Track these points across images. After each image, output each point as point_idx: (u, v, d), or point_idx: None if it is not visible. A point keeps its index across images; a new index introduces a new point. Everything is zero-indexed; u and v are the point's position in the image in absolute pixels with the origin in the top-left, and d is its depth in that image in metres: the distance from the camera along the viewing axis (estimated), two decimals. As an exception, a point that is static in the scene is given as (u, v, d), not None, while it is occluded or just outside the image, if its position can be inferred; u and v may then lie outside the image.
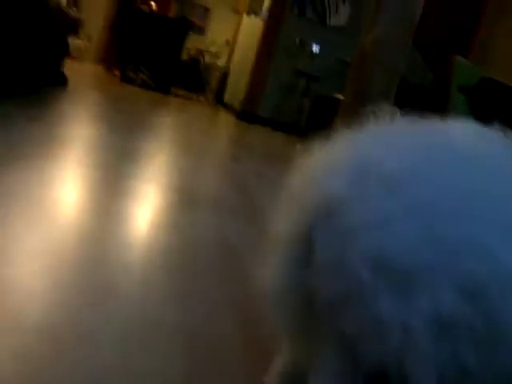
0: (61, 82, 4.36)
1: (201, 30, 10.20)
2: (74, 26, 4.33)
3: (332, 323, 0.46)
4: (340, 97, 4.53)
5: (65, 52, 4.52)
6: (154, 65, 7.11)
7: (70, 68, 4.61)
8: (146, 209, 1.59)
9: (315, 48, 6.75)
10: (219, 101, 8.93)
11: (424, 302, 0.40)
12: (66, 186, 1.57)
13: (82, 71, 6.95)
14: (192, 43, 8.56)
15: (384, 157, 0.49)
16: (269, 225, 0.58)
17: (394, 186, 0.46)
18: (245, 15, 9.11)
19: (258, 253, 0.59)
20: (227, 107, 8.34)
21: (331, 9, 6.78)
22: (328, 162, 0.55)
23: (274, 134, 6.06)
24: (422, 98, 3.24)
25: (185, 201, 1.77)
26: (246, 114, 6.62)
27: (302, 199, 0.54)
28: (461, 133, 0.54)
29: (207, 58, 8.08)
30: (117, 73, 7.35)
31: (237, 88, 7.98)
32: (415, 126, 0.57)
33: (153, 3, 7.45)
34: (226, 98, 8.85)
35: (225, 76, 9.08)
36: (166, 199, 1.77)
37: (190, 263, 1.20)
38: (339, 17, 6.80)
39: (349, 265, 0.44)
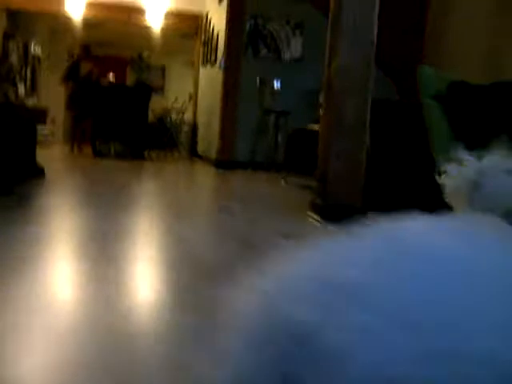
0: (37, 173, 4.33)
1: (160, 89, 10.36)
2: (42, 116, 4.34)
3: None
4: (315, 127, 4.58)
5: (35, 142, 4.52)
6: (124, 134, 7.15)
7: (41, 155, 4.59)
8: (156, 292, 1.55)
9: (276, 84, 6.86)
10: (193, 153, 8.98)
11: None
12: (60, 282, 1.53)
13: (52, 155, 6.94)
14: (154, 104, 8.63)
15: (346, 272, 0.46)
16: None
17: (364, 300, 0.44)
18: (201, 67, 9.26)
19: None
20: (202, 158, 8.38)
21: (283, 44, 6.94)
22: (286, 285, 0.50)
23: (254, 174, 6.08)
24: (394, 112, 3.29)
25: (197, 276, 1.72)
26: (224, 162, 6.65)
27: (261, 328, 0.49)
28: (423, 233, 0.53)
29: (173, 115, 8.16)
30: (86, 149, 7.36)
31: (208, 138, 8.04)
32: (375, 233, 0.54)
33: (111, 75, 7.54)
34: (199, 149, 8.90)
35: (194, 128, 9.16)
36: (172, 277, 1.72)
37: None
38: (293, 50, 6.95)
39: None
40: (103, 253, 1.92)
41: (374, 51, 3.23)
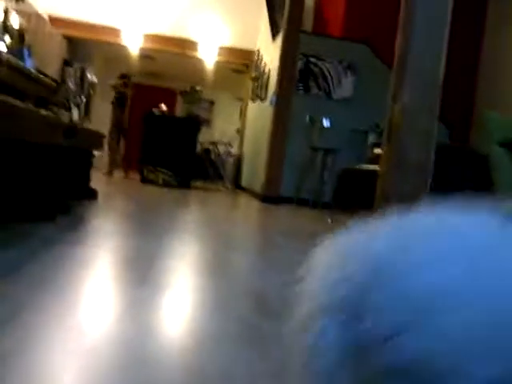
0: (91, 195, 4.44)
1: (207, 122, 10.54)
2: (100, 141, 4.46)
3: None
4: (369, 167, 4.55)
5: (90, 165, 4.64)
6: (172, 163, 7.28)
7: (93, 179, 4.70)
8: (211, 321, 1.52)
9: (325, 122, 6.89)
10: (237, 185, 9.06)
11: None
12: (106, 305, 1.52)
13: (103, 180, 7.09)
14: (201, 136, 8.79)
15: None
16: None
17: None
18: (249, 102, 9.41)
19: None
20: (245, 190, 8.43)
21: (334, 82, 6.99)
22: (369, 232, 0.55)
23: (299, 210, 6.06)
24: (459, 159, 3.24)
25: (252, 308, 1.69)
26: (269, 196, 6.67)
27: (342, 264, 0.53)
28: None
29: (220, 148, 8.28)
30: (135, 176, 7.51)
31: (253, 171, 8.10)
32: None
33: (163, 105, 7.74)
34: (243, 182, 8.97)
35: (239, 162, 9.26)
36: (226, 308, 1.69)
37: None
38: (343, 89, 7.00)
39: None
40: (154, 279, 1.92)
41: (440, 93, 3.19)
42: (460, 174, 3.26)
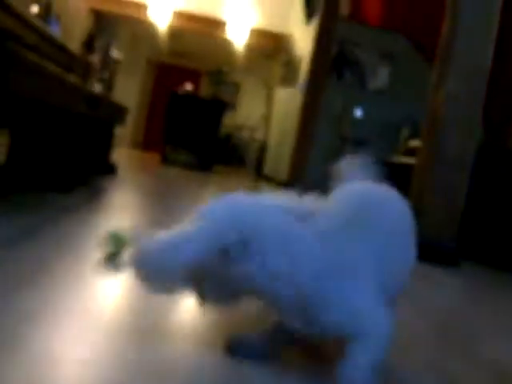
0: (111, 170, 4.25)
1: (232, 106, 10.28)
2: (123, 115, 4.24)
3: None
4: (403, 160, 4.30)
5: (111, 140, 4.44)
6: (195, 145, 7.07)
7: (113, 155, 4.55)
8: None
9: (357, 112, 6.62)
10: (259, 173, 8.82)
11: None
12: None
13: (123, 157, 6.92)
14: (225, 119, 8.57)
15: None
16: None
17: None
18: (277, 88, 9.15)
19: None
20: (267, 179, 8.20)
21: (369, 72, 6.71)
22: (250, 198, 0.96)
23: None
24: (497, 156, 3.02)
25: None
26: (292, 185, 6.43)
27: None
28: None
29: (245, 133, 8.04)
30: (152, 154, 7.32)
31: (277, 159, 7.85)
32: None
33: (188, 84, 7.50)
34: (266, 169, 8.73)
35: (263, 148, 9.02)
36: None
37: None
38: (378, 79, 6.71)
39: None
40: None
41: (487, 79, 2.95)
42: (501, 173, 3.05)
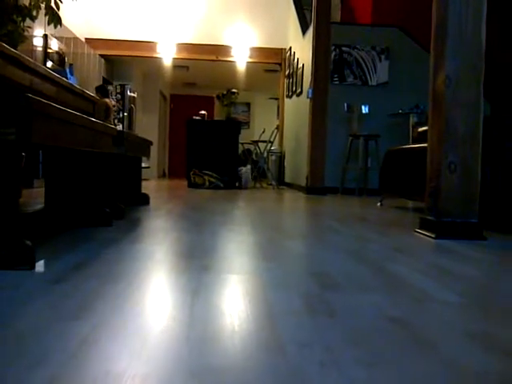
0: (144, 200, 4.60)
1: (246, 124, 10.68)
2: (147, 148, 4.63)
3: None
4: (410, 146, 4.53)
5: (141, 172, 4.82)
6: (217, 166, 7.46)
7: (143, 186, 4.80)
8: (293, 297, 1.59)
9: (364, 108, 6.89)
10: (281, 182, 9.13)
11: None
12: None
13: (152, 186, 7.31)
14: (241, 138, 8.94)
15: None
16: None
17: None
18: (285, 99, 9.48)
19: None
20: (290, 186, 8.49)
21: (369, 69, 6.99)
22: None
23: (346, 199, 6.07)
24: (504, 128, 3.18)
25: (325, 287, 1.75)
26: (314, 188, 6.72)
27: None
28: None
29: (261, 146, 8.39)
30: (183, 181, 7.70)
31: (295, 165, 8.16)
32: None
33: (203, 111, 7.93)
34: (287, 177, 9.04)
35: (280, 159, 9.35)
36: (302, 288, 1.76)
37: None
38: (379, 74, 6.98)
39: None
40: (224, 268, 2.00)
41: (483, 57, 3.04)
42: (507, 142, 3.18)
